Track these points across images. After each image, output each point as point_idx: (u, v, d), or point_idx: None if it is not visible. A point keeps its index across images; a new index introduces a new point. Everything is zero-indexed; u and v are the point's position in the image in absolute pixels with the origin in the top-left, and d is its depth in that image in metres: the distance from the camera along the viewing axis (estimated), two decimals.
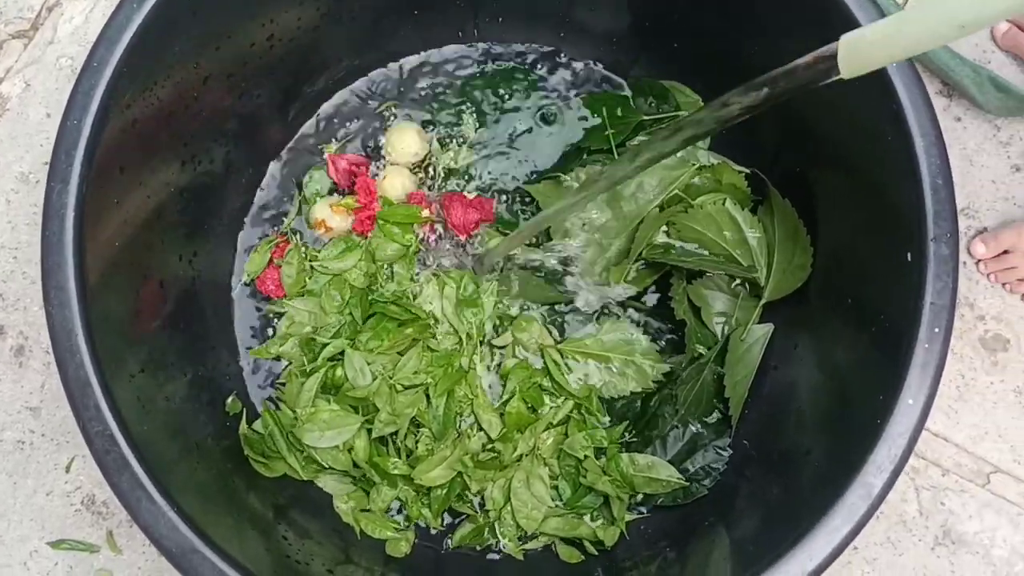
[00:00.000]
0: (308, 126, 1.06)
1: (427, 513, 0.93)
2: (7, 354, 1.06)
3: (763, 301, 0.93)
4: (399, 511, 0.96)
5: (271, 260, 1.00)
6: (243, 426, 0.93)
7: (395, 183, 1.01)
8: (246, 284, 1.01)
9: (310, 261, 0.99)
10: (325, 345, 0.94)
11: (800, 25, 0.84)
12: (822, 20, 0.80)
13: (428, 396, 0.93)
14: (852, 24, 0.77)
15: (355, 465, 0.93)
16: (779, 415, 0.91)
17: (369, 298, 0.96)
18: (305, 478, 0.93)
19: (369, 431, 0.92)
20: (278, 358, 0.99)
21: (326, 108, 1.07)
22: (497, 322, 0.99)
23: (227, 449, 0.90)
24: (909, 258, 0.74)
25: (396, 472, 0.91)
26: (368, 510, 0.94)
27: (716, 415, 0.95)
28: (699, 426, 0.94)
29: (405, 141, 1.02)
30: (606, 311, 1.00)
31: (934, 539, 1.04)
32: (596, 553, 0.92)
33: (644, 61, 1.06)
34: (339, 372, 0.93)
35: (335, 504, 0.94)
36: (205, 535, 0.70)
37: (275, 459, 0.92)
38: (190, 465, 0.81)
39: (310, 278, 0.98)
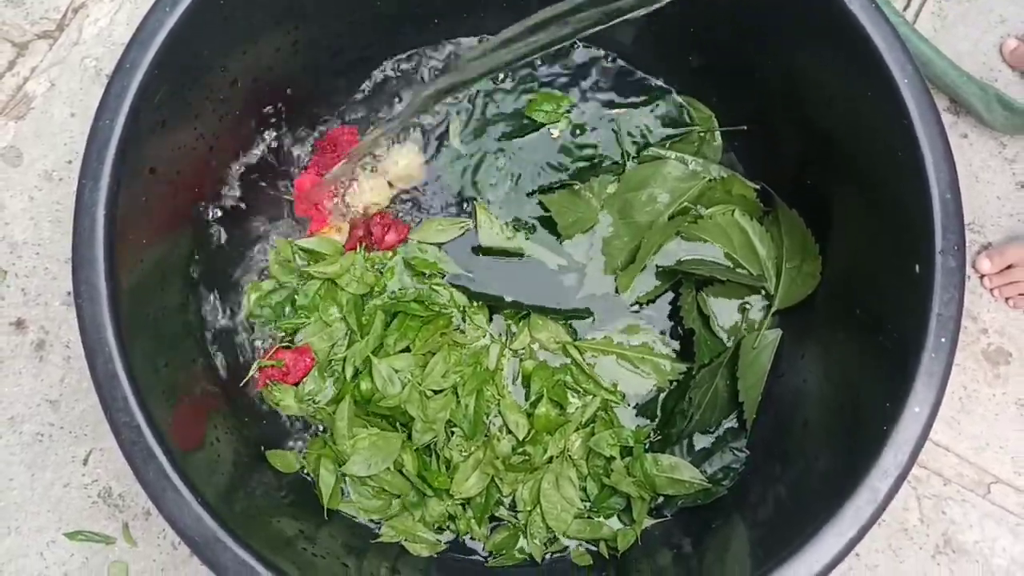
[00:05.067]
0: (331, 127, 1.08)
1: (474, 526, 0.94)
2: (28, 348, 1.08)
3: (773, 310, 0.95)
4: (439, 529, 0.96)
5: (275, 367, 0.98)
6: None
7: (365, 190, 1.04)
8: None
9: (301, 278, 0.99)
10: (343, 362, 0.95)
11: (813, 38, 0.86)
12: (834, 34, 0.82)
13: (457, 396, 0.94)
14: (864, 39, 0.80)
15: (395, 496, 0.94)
16: (787, 421, 0.93)
17: (373, 301, 0.97)
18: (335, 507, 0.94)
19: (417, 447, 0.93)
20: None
21: (349, 108, 1.08)
22: (511, 324, 1.00)
23: (245, 441, 0.92)
24: (917, 270, 0.76)
25: (439, 486, 0.92)
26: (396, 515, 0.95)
27: (731, 419, 0.97)
28: (715, 429, 0.96)
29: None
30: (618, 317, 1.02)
31: (935, 547, 1.06)
32: (607, 556, 0.94)
33: (661, 75, 1.08)
34: (364, 386, 0.93)
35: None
36: (227, 525, 0.71)
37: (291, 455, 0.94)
38: (211, 457, 0.83)
39: (298, 292, 0.98)
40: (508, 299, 1.00)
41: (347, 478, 0.94)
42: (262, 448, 0.94)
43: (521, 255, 1.02)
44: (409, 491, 0.94)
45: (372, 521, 0.95)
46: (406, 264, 1.01)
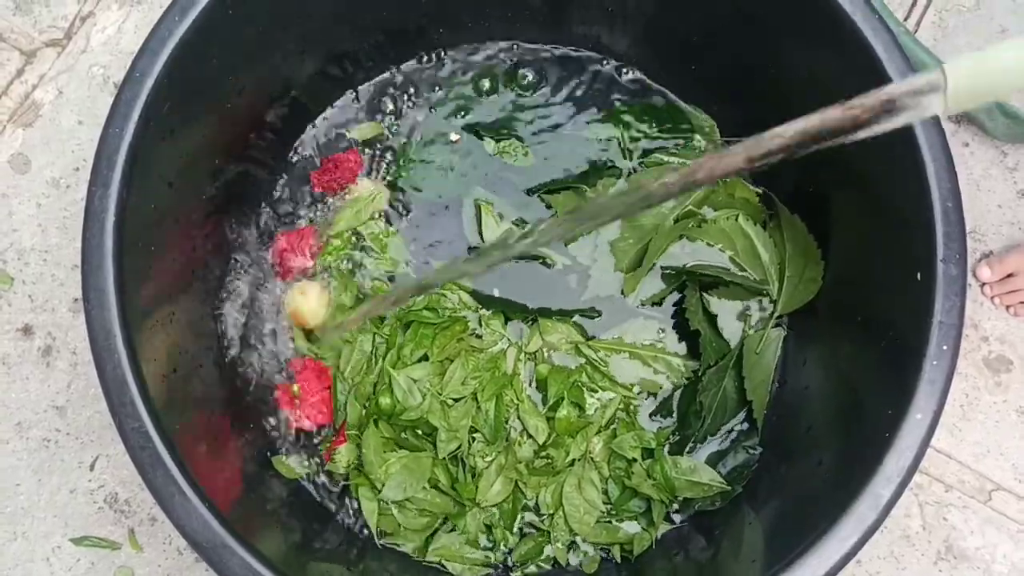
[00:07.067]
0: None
1: (506, 534, 0.93)
2: (35, 354, 1.09)
3: (776, 314, 0.95)
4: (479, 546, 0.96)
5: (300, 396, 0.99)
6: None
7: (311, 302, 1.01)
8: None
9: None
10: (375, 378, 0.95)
11: (813, 46, 0.87)
12: (835, 42, 0.82)
13: (477, 401, 0.94)
14: (865, 47, 0.80)
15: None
16: (791, 427, 0.93)
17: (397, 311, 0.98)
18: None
19: (443, 459, 0.93)
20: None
21: (352, 116, 1.08)
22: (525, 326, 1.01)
23: (251, 447, 0.92)
24: (919, 277, 0.76)
25: (468, 495, 0.92)
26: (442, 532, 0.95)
27: (742, 420, 0.98)
28: (727, 430, 0.97)
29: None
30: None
31: (936, 554, 1.06)
32: (619, 560, 0.94)
33: (662, 82, 1.09)
34: (384, 401, 0.92)
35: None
36: (234, 531, 0.72)
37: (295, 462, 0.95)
38: (218, 463, 0.83)
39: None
40: (514, 300, 1.01)
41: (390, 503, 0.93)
42: (268, 454, 0.95)
43: (525, 256, 1.02)
44: (451, 506, 0.94)
45: (384, 533, 0.95)
46: (356, 236, 1.02)
